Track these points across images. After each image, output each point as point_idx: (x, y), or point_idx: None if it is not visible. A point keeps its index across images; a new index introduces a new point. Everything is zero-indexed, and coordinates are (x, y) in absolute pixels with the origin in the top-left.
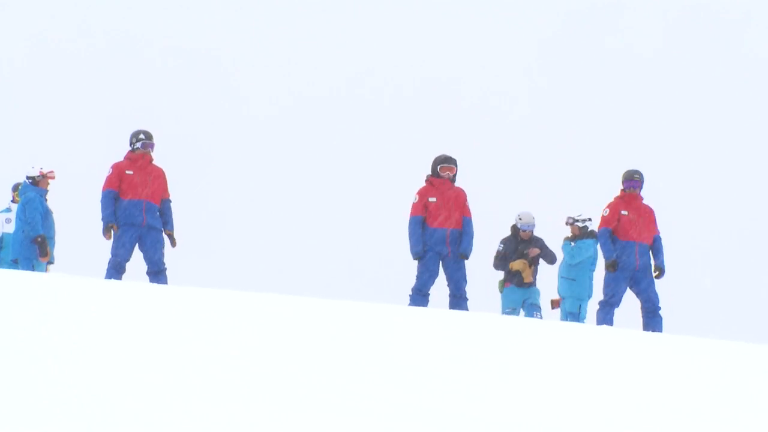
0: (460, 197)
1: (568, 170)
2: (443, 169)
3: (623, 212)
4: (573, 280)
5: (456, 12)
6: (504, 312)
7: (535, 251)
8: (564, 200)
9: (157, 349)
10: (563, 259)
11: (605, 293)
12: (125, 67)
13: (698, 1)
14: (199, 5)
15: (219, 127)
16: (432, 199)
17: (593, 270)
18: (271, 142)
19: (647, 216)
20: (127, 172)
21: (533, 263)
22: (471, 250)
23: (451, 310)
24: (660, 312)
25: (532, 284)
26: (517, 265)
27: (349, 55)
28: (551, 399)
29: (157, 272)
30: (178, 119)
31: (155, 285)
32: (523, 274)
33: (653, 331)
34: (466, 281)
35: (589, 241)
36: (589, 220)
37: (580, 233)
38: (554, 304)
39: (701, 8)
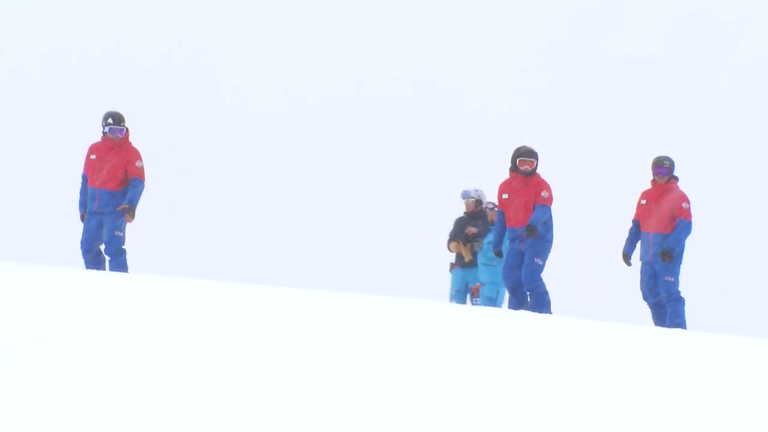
0: (532, 191)
1: (569, 172)
2: (522, 163)
3: (642, 201)
4: (492, 265)
5: (458, 15)
6: (450, 296)
7: (472, 230)
8: (565, 200)
9: (153, 342)
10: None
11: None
12: (124, 66)
13: (697, 5)
14: (199, 6)
15: (219, 127)
16: (504, 196)
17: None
18: (272, 143)
19: (668, 204)
20: (91, 156)
21: (469, 241)
22: (537, 226)
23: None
24: (671, 303)
25: (469, 264)
26: (453, 246)
27: (352, 55)
28: (545, 395)
29: (111, 253)
30: (178, 118)
31: (161, 278)
32: (463, 254)
33: (663, 323)
34: (533, 279)
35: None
36: None
37: None
38: (474, 291)
39: (700, 12)
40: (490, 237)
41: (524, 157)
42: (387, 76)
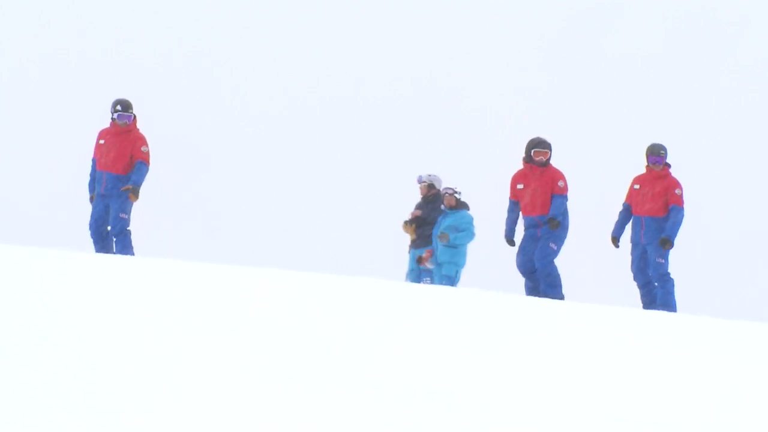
0: (548, 181)
1: (569, 171)
2: (536, 154)
3: (635, 186)
4: (454, 247)
5: (458, 15)
6: (406, 275)
7: (416, 213)
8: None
9: (152, 324)
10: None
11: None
12: (124, 66)
13: (697, 5)
14: (199, 6)
15: (219, 126)
16: (519, 186)
17: (470, 239)
18: (272, 143)
19: (661, 189)
20: (100, 141)
21: (412, 223)
22: (558, 216)
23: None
24: (661, 283)
25: (422, 245)
26: (402, 227)
27: (352, 55)
28: (546, 379)
29: (116, 234)
30: (178, 118)
31: (164, 261)
32: (409, 234)
33: (651, 303)
34: (546, 261)
35: (464, 212)
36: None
37: (456, 204)
38: (420, 261)
39: (700, 12)
40: (450, 219)
41: (539, 147)
42: (387, 76)
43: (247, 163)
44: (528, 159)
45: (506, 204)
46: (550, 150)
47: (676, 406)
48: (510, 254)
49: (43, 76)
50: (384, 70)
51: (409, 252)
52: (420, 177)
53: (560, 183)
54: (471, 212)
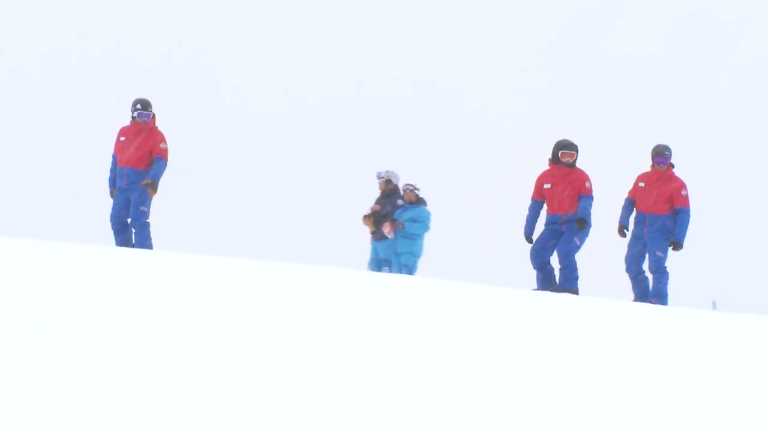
0: (576, 181)
1: None
2: (564, 155)
3: (640, 184)
4: (412, 239)
5: (458, 15)
6: (368, 264)
7: (375, 207)
8: None
9: (159, 320)
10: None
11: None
12: (124, 66)
13: (697, 5)
14: (199, 6)
15: (219, 126)
16: (546, 186)
17: (425, 231)
18: (272, 143)
19: (667, 189)
20: (120, 138)
21: (371, 217)
22: (587, 217)
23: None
24: (657, 275)
25: (382, 237)
26: (362, 221)
27: (352, 55)
28: (545, 373)
29: (136, 227)
30: (178, 118)
31: (161, 255)
32: (368, 227)
33: (643, 294)
34: (568, 254)
35: (423, 207)
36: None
37: (416, 200)
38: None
39: (700, 12)
40: (409, 213)
41: (566, 149)
42: (387, 76)
43: (246, 162)
44: (555, 160)
45: (504, 201)
46: (577, 152)
47: (676, 399)
48: (471, 248)
49: (43, 76)
50: (384, 70)
51: (371, 243)
52: (378, 173)
53: (587, 184)
54: (428, 208)
